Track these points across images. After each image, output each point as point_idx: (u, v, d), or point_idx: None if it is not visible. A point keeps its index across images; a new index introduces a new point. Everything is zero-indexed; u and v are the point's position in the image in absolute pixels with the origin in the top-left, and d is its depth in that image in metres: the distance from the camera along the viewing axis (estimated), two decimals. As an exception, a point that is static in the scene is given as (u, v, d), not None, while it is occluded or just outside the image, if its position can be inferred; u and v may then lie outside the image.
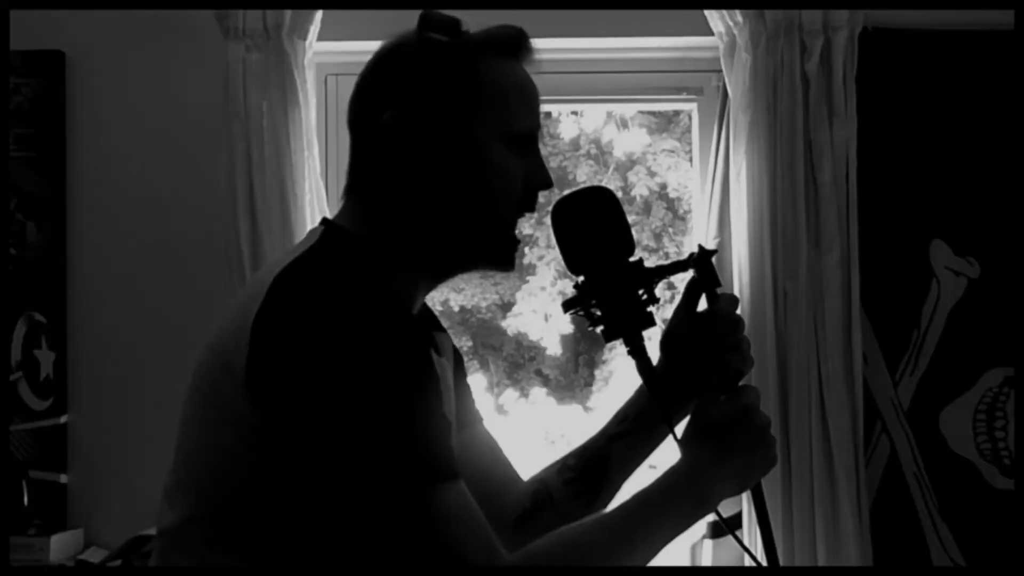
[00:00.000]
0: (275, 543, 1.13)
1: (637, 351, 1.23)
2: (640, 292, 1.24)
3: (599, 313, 1.24)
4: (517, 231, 1.29)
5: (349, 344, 1.07)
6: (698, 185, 2.75)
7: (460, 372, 1.45)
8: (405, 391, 1.09)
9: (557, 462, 1.42)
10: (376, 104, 1.24)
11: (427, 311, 1.39)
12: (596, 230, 1.25)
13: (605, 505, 1.37)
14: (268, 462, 1.11)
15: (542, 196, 1.32)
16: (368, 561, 1.10)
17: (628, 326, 1.23)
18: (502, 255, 1.28)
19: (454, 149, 1.23)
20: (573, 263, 1.25)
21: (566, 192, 1.29)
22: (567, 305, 1.25)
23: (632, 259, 1.25)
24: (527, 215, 1.29)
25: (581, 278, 1.25)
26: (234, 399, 1.12)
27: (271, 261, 1.17)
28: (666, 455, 1.29)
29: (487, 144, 1.23)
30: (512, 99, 1.26)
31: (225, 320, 1.18)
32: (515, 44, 1.28)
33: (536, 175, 1.27)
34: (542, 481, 1.42)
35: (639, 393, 1.38)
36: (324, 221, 1.28)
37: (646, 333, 1.24)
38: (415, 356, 1.11)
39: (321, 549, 1.13)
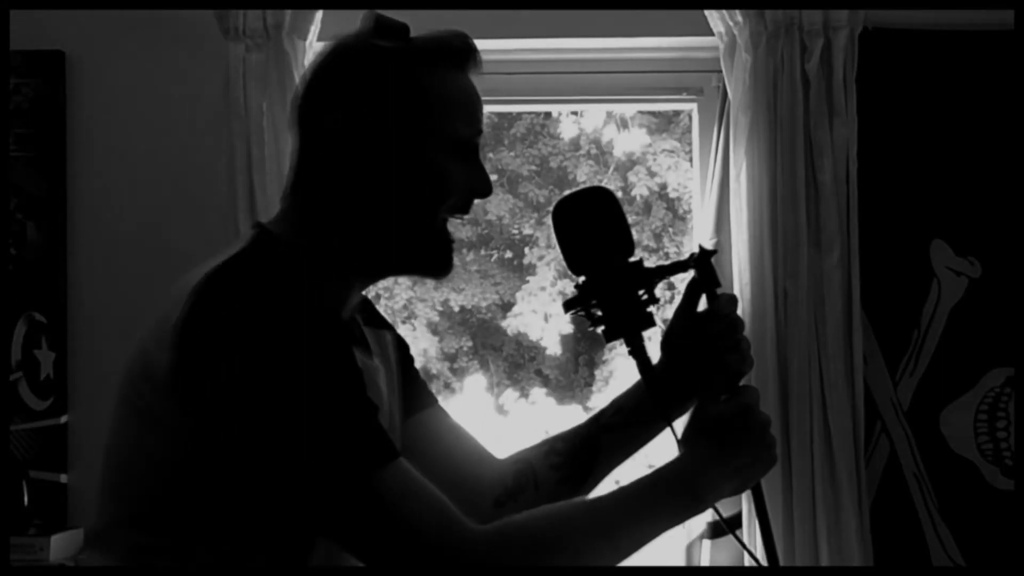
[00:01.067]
0: (204, 545, 1.13)
1: (637, 351, 1.24)
2: (640, 292, 1.24)
3: (600, 313, 1.24)
4: (451, 232, 1.29)
5: (272, 346, 1.08)
6: (698, 185, 2.75)
7: (407, 362, 1.44)
8: (327, 385, 1.09)
9: (544, 443, 1.42)
10: (321, 106, 1.25)
11: (369, 307, 1.39)
12: (597, 230, 1.25)
13: (588, 494, 1.37)
14: (195, 466, 1.11)
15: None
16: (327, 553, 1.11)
17: (628, 326, 1.23)
18: (435, 261, 1.28)
19: (395, 154, 1.23)
20: (574, 263, 1.26)
21: (567, 192, 1.30)
22: (568, 305, 1.26)
23: (632, 259, 1.25)
24: (462, 216, 1.30)
25: (582, 278, 1.25)
26: (157, 403, 1.12)
27: (196, 267, 1.18)
28: (663, 453, 1.29)
29: (428, 150, 1.24)
30: (456, 107, 1.26)
31: (150, 325, 1.18)
32: (462, 53, 1.28)
33: (476, 182, 1.28)
34: (527, 462, 1.41)
35: (637, 387, 1.37)
36: (256, 225, 1.28)
37: (646, 333, 1.24)
38: (335, 352, 1.11)
39: (260, 548, 1.13)
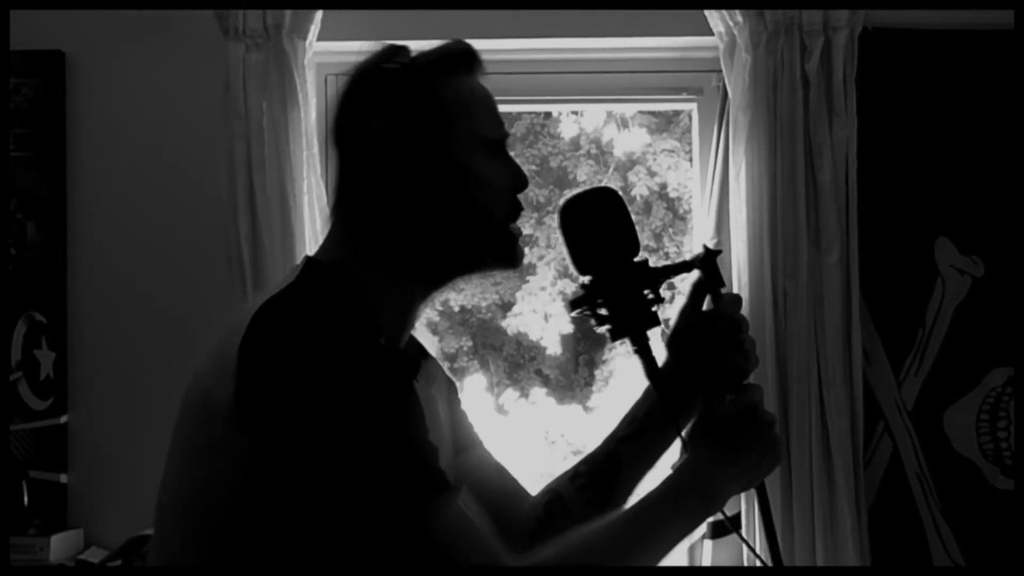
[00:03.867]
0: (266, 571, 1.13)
1: (643, 350, 1.24)
2: (646, 292, 1.24)
3: (605, 312, 1.24)
4: (515, 227, 1.30)
5: (330, 377, 1.08)
6: (698, 185, 2.75)
7: (454, 398, 1.46)
8: (386, 416, 1.10)
9: (568, 471, 1.42)
10: (355, 132, 1.26)
11: (414, 340, 1.39)
12: (603, 230, 1.25)
13: (619, 508, 1.37)
14: (256, 496, 1.11)
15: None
16: None
17: (634, 325, 1.23)
18: (506, 254, 1.29)
19: (436, 165, 1.24)
20: (580, 263, 1.26)
21: (573, 192, 1.30)
22: (574, 304, 1.26)
23: (637, 259, 1.25)
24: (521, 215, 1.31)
25: (587, 278, 1.25)
26: (217, 434, 1.12)
27: (256, 297, 1.19)
28: (673, 457, 1.29)
29: (466, 157, 1.25)
30: (477, 111, 1.28)
31: (208, 353, 1.19)
32: (466, 59, 1.29)
33: (512, 177, 1.29)
34: (554, 491, 1.42)
35: (647, 394, 1.38)
36: (306, 258, 1.29)
37: (652, 333, 1.24)
38: (393, 383, 1.13)
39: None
